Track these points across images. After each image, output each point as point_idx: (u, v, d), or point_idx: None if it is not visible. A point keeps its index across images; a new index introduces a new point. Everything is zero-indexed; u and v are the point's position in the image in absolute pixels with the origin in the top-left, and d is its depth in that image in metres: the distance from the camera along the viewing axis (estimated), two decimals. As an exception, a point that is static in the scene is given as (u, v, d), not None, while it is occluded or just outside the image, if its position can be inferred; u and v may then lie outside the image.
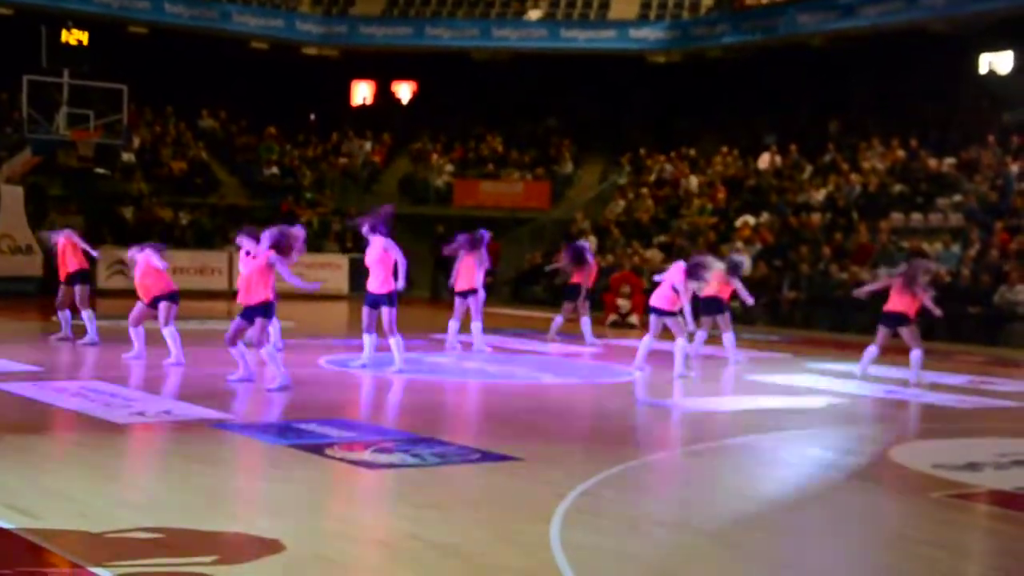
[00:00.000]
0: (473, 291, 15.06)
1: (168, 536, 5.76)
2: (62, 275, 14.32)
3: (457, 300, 15.22)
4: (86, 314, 14.05)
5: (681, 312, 12.79)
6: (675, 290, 12.74)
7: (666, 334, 13.18)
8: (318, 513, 6.43)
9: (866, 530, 6.57)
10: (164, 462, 7.60)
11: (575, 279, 16.97)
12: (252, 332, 10.90)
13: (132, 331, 12.70)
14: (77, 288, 14.16)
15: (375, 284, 12.46)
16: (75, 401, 9.64)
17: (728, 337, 14.61)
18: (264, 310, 10.85)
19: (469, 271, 15.05)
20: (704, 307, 14.67)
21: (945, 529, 6.62)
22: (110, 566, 5.14)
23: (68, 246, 14.37)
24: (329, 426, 8.91)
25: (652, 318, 13.07)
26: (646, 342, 13.15)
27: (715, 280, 14.49)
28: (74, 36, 23.37)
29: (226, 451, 8.13)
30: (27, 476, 6.98)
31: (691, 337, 13.80)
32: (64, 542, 5.51)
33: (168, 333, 12.33)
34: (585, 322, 16.64)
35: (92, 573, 5.05)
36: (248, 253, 11.73)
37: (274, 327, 14.50)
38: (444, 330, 15.46)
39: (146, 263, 12.54)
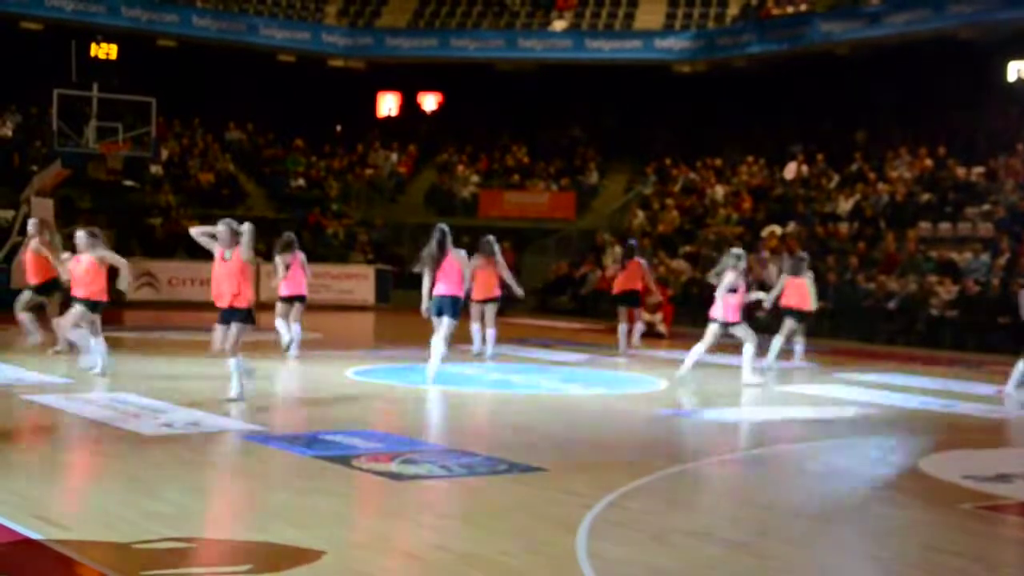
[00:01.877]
0: (491, 299, 15.16)
1: (196, 547, 5.79)
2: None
3: (473, 306, 15.26)
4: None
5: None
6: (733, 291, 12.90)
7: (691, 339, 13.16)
8: (346, 524, 6.45)
9: (895, 542, 6.53)
10: (192, 473, 7.64)
11: (628, 285, 16.92)
12: (229, 340, 10.53)
13: (80, 335, 12.41)
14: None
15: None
16: (104, 413, 9.70)
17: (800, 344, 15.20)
18: (244, 315, 10.53)
19: (487, 279, 15.14)
20: (786, 317, 15.02)
21: (975, 541, 6.56)
22: (139, 577, 5.17)
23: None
24: (356, 437, 8.93)
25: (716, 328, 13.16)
26: (749, 351, 13.09)
27: (792, 289, 14.86)
28: (103, 50, 23.55)
29: (253, 462, 8.17)
30: (57, 487, 7.03)
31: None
32: (93, 553, 5.54)
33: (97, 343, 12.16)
34: (623, 330, 16.69)
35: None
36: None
37: (295, 334, 14.66)
38: (468, 340, 15.48)
39: (92, 264, 12.27)
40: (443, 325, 12.38)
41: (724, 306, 13.11)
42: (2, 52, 27.39)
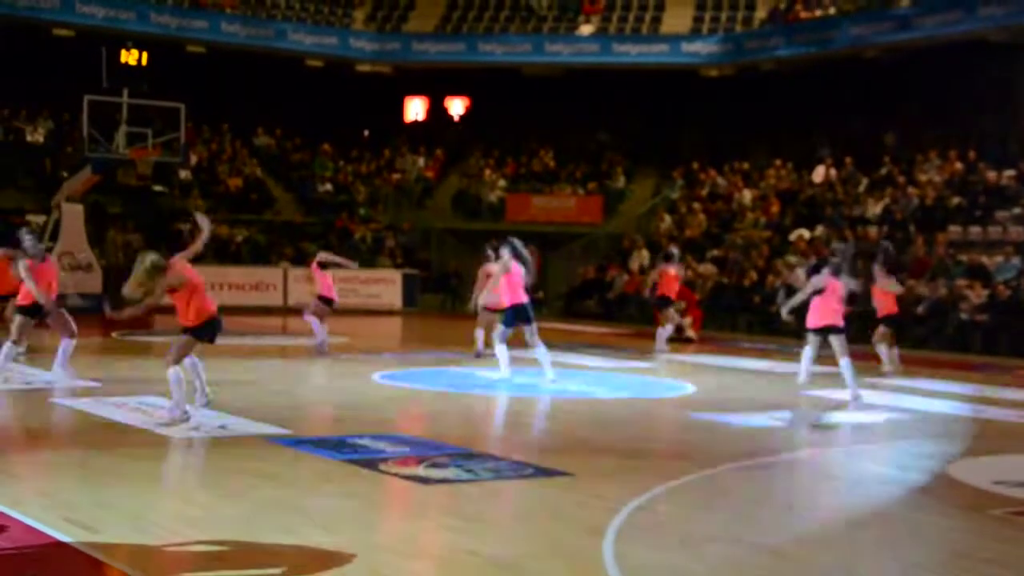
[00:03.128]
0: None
1: (224, 550, 5.82)
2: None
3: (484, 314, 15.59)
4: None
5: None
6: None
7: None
8: (373, 528, 6.46)
9: (925, 547, 6.48)
10: (220, 477, 7.68)
11: (658, 291, 17.71)
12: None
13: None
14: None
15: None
16: (133, 416, 9.77)
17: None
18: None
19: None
20: (885, 323, 14.96)
21: (1007, 547, 6.50)
22: (168, 579, 5.20)
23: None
24: (383, 441, 8.95)
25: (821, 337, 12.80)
26: (846, 365, 12.42)
27: (883, 297, 14.61)
28: (133, 56, 23.76)
29: (281, 466, 8.20)
30: (86, 490, 7.09)
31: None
32: (122, 555, 5.58)
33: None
34: (661, 332, 17.43)
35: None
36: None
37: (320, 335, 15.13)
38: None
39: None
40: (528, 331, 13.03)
41: (810, 309, 12.71)
42: (34, 59, 27.68)
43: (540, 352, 13.03)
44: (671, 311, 17.89)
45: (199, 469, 8.15)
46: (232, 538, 6.03)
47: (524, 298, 13.06)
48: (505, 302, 13.19)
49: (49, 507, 6.41)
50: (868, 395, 13.02)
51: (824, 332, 12.59)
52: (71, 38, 28.13)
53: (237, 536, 6.08)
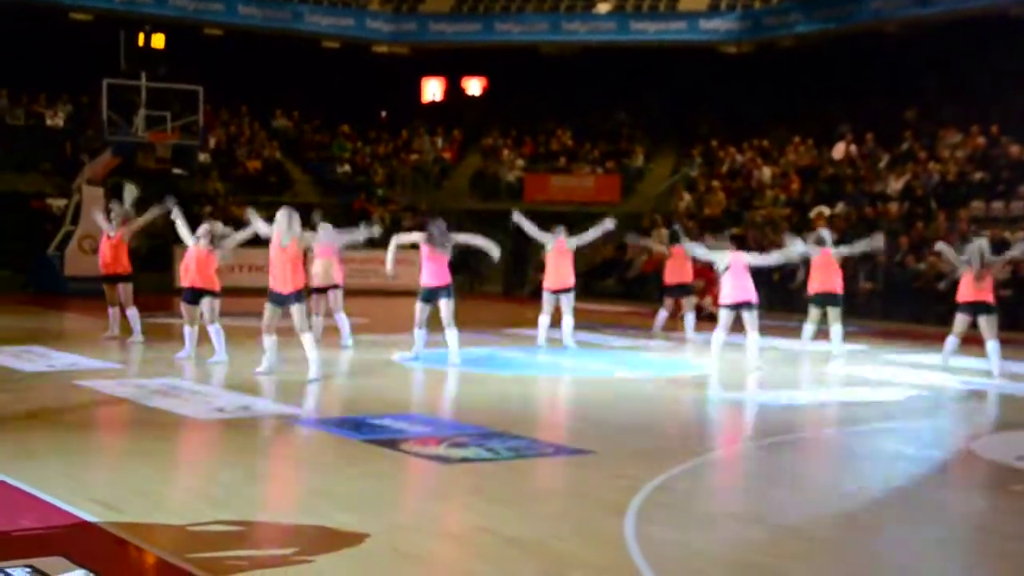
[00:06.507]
0: (566, 289, 14.97)
1: (247, 529, 5.86)
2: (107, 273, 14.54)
3: (546, 295, 15.13)
4: (131, 312, 14.29)
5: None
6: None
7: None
8: (394, 507, 6.49)
9: (948, 524, 6.46)
10: (243, 457, 7.72)
11: (677, 278, 16.87)
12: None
13: (187, 330, 12.70)
14: (120, 287, 14.44)
15: (432, 280, 13.09)
16: (156, 398, 9.82)
17: (836, 329, 14.59)
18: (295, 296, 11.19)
19: (562, 268, 15.04)
20: (816, 300, 14.75)
21: (1030, 523, 6.48)
22: (191, 558, 5.24)
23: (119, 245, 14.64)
24: (404, 421, 8.97)
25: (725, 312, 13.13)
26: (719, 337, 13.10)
27: (826, 270, 14.56)
28: (151, 40, 23.77)
29: (303, 446, 8.24)
30: (110, 471, 7.14)
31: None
32: (146, 535, 5.62)
33: (213, 330, 12.46)
34: (663, 315, 16.72)
35: (174, 564, 5.15)
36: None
37: (343, 323, 14.83)
38: (516, 325, 15.50)
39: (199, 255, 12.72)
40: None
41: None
42: (53, 43, 27.74)
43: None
44: (690, 299, 16.97)
45: (221, 449, 8.19)
46: (254, 518, 6.07)
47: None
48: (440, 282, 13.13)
49: (75, 488, 6.46)
50: (888, 372, 13.00)
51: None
52: (89, 22, 28.18)
53: (259, 516, 6.12)
